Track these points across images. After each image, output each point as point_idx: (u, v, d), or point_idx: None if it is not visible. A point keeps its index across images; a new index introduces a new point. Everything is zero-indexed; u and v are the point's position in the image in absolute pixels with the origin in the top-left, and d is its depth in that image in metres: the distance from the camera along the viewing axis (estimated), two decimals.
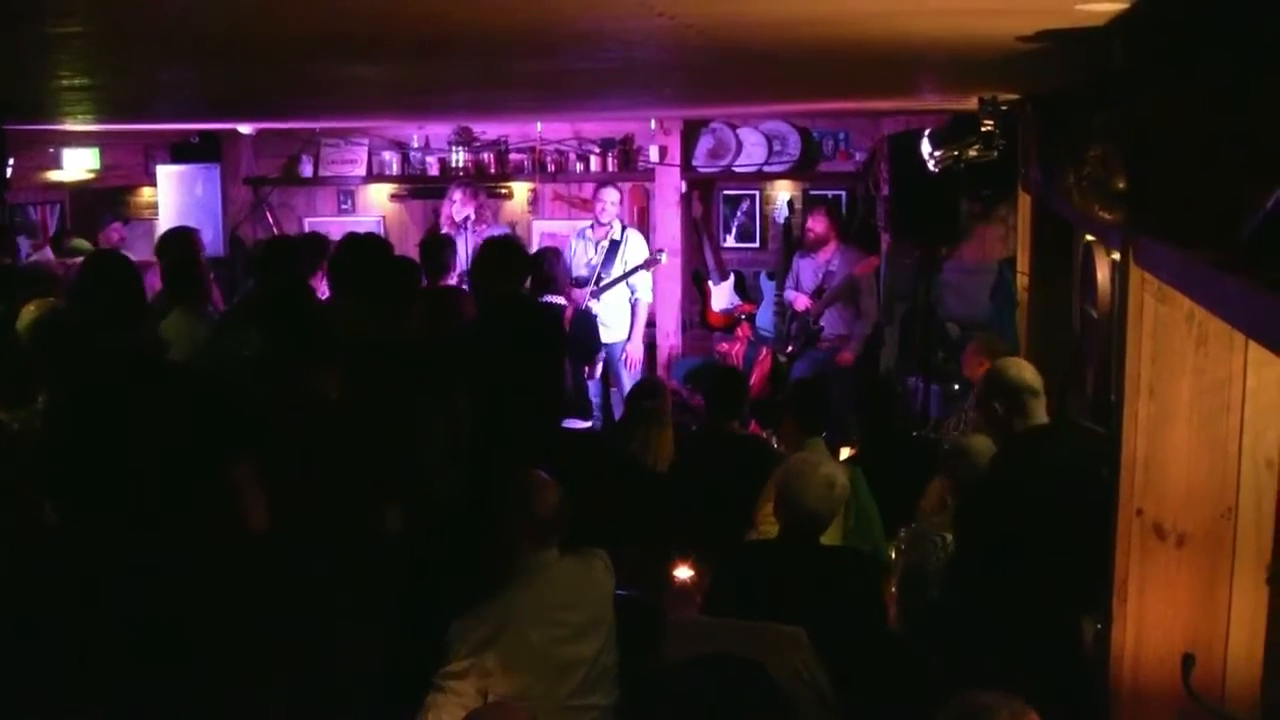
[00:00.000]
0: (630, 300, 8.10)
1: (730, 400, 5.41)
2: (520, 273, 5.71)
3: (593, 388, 7.96)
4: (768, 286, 8.65)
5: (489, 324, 5.45)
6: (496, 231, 7.85)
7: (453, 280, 6.74)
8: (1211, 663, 2.57)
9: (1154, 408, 2.60)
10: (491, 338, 5.32)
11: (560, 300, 6.90)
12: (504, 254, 5.65)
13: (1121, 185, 2.61)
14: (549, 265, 6.78)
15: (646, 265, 7.98)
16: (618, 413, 7.32)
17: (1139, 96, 2.47)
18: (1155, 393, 2.59)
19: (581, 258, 8.07)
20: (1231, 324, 2.12)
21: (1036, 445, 4.08)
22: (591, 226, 8.15)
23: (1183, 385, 2.57)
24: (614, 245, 8.05)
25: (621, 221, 8.24)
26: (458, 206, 8.18)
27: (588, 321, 7.67)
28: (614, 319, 8.05)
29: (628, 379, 7.88)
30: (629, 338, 8.13)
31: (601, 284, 7.96)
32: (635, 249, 8.10)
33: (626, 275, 7.96)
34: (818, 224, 7.98)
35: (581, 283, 7.91)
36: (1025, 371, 4.21)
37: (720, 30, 2.65)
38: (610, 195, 8.09)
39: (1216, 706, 2.54)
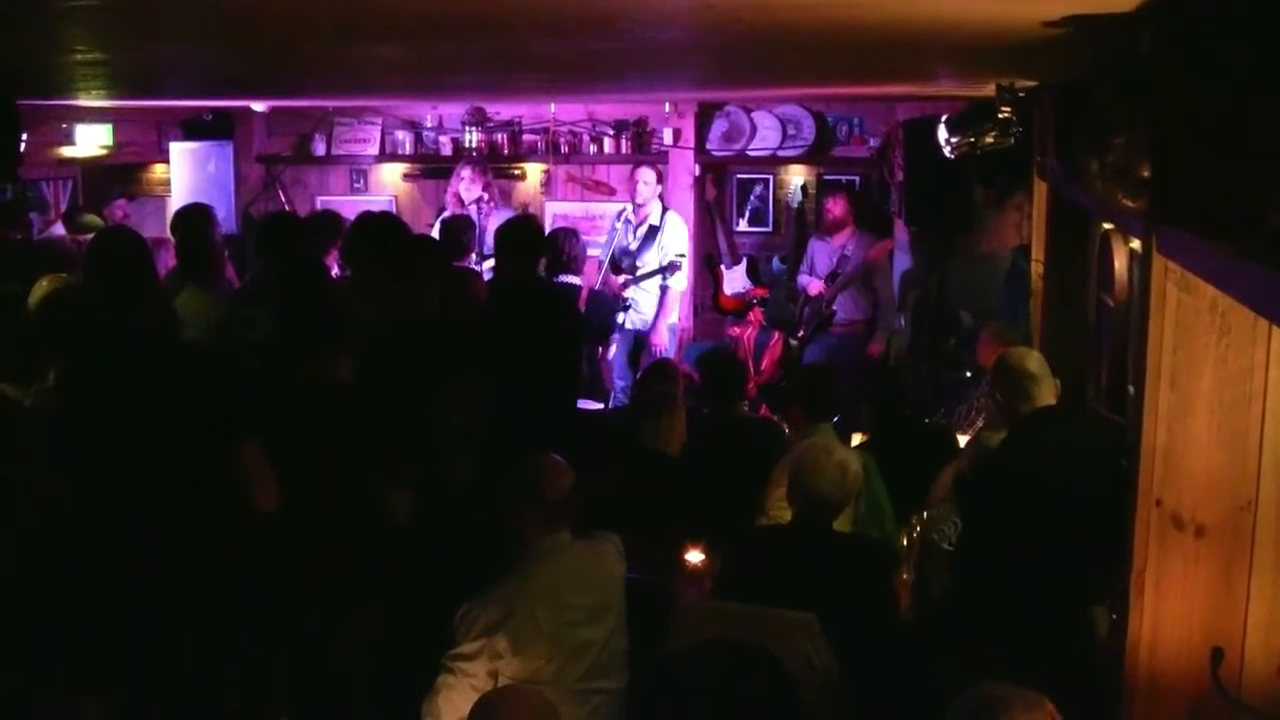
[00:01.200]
0: (660, 284, 7.77)
1: (732, 386, 5.41)
2: (546, 254, 5.68)
3: (620, 369, 7.86)
4: (778, 270, 8.60)
5: (503, 306, 5.42)
6: (507, 214, 7.76)
7: (468, 262, 6.70)
8: (1230, 656, 2.54)
9: (1174, 398, 2.57)
10: (506, 319, 5.29)
11: (575, 280, 6.84)
12: (530, 235, 5.64)
13: (1145, 173, 2.58)
14: (566, 246, 6.72)
15: (669, 270, 7.63)
16: None
17: (1165, 84, 2.44)
18: (1176, 383, 2.56)
19: (623, 242, 7.83)
20: (1258, 312, 2.09)
21: (1039, 426, 4.11)
22: (633, 210, 7.88)
23: (1204, 375, 2.55)
24: (652, 230, 7.76)
25: (662, 203, 7.94)
26: (466, 184, 8.07)
27: (603, 303, 7.58)
28: (648, 305, 7.80)
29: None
30: (656, 318, 7.78)
31: (637, 273, 7.71)
32: (674, 234, 7.77)
33: (657, 272, 7.66)
34: (837, 206, 7.90)
35: (619, 269, 7.74)
36: (1027, 359, 4.27)
37: (741, 10, 2.62)
38: (646, 175, 7.77)
39: (1241, 700, 2.52)
